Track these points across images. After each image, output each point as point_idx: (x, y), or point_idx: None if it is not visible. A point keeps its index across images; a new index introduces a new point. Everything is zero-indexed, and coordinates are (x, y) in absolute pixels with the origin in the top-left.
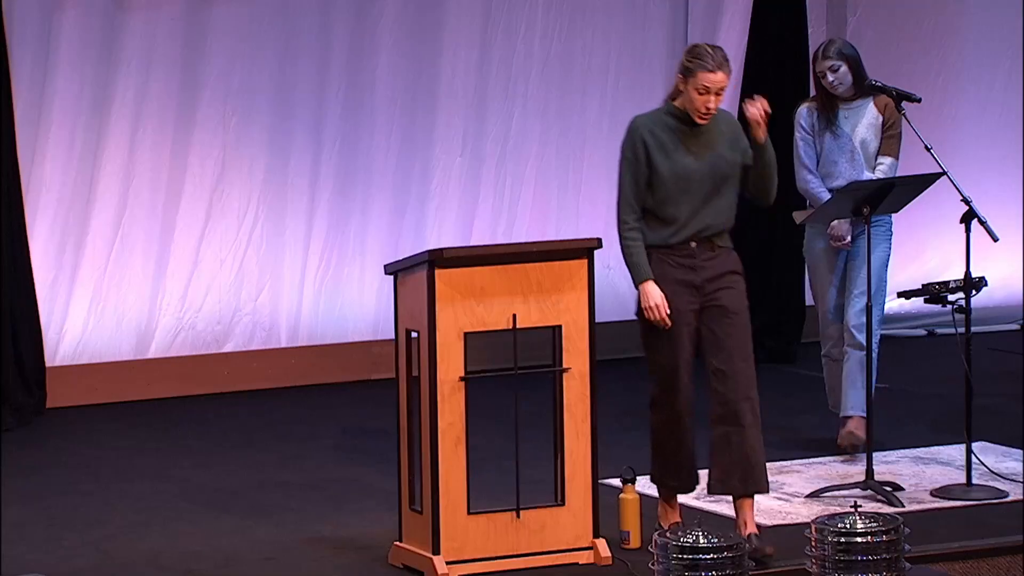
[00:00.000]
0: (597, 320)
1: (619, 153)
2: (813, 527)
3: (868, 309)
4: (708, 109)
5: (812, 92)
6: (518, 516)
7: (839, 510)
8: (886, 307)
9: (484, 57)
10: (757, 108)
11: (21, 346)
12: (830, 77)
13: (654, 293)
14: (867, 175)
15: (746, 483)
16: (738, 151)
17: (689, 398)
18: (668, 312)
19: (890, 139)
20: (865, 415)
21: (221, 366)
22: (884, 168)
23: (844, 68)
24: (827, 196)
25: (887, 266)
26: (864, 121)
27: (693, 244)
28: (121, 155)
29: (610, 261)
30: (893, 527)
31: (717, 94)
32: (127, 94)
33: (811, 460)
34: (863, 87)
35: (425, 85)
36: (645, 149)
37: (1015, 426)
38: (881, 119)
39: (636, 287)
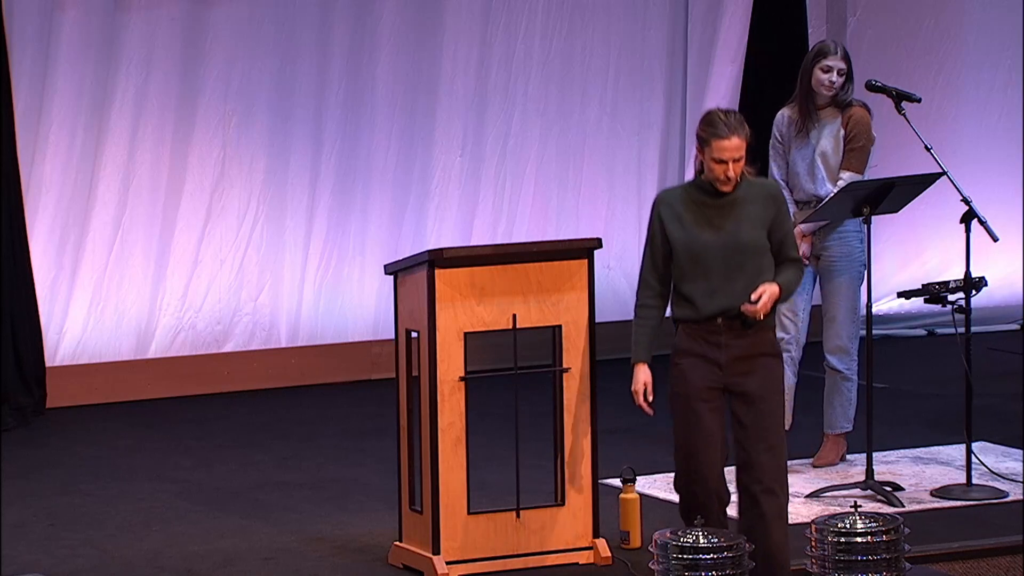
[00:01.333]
0: (597, 320)
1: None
2: (813, 527)
3: (868, 309)
4: (728, 177)
5: (797, 94)
6: (518, 516)
7: (839, 510)
8: (886, 307)
9: (484, 57)
10: (755, 310)
11: (21, 346)
12: (835, 78)
13: (638, 377)
14: (828, 188)
15: None
16: (764, 226)
17: (711, 478)
18: (650, 400)
19: (852, 152)
20: (844, 432)
21: (221, 366)
22: (843, 184)
23: (844, 71)
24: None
25: (858, 292)
26: (827, 133)
27: (719, 321)
28: (121, 155)
29: (610, 261)
30: (893, 527)
31: (736, 160)
32: (127, 94)
33: (811, 460)
34: (844, 96)
35: (425, 85)
36: (660, 223)
37: (1015, 426)
38: (843, 133)
39: (632, 365)
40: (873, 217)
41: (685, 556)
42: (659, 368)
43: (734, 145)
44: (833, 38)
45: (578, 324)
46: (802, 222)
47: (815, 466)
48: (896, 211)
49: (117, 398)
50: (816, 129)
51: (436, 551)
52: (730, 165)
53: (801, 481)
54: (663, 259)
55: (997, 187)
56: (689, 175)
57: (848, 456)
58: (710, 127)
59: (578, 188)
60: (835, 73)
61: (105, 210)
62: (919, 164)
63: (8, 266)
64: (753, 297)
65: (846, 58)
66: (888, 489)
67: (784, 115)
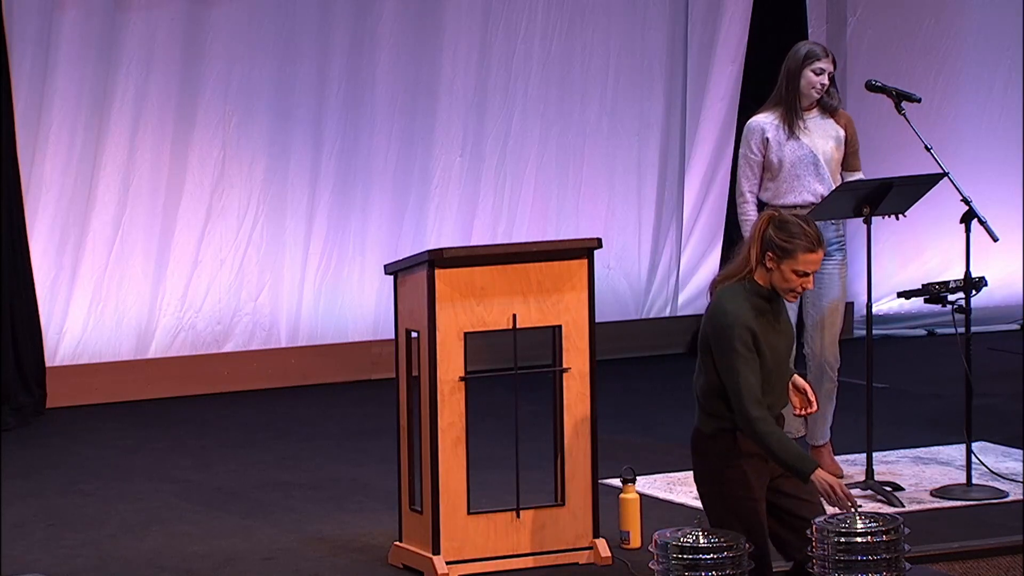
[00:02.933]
0: (597, 320)
1: (719, 346)
2: (813, 527)
3: (868, 309)
4: (805, 288)
5: (778, 97)
6: (518, 516)
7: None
8: (886, 307)
9: (484, 57)
10: (815, 409)
11: (21, 346)
12: (825, 80)
13: (829, 480)
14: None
15: None
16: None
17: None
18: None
19: (853, 154)
20: (828, 440)
21: (221, 366)
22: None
23: (832, 74)
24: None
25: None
26: (827, 135)
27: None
28: (121, 155)
29: (610, 261)
30: (893, 527)
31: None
32: (127, 94)
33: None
34: (831, 100)
35: (425, 85)
36: (753, 339)
37: (1015, 426)
38: (844, 135)
39: (807, 478)
40: (874, 218)
41: (685, 556)
42: (660, 368)
43: (820, 257)
44: (815, 40)
45: (578, 324)
46: None
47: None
48: (903, 211)
49: (117, 398)
50: (805, 131)
51: (436, 551)
52: (811, 277)
53: None
54: (758, 374)
55: (997, 187)
56: (689, 174)
57: (848, 456)
58: (795, 238)
59: (578, 188)
60: (826, 76)
61: (105, 210)
62: (919, 164)
63: (8, 266)
64: (811, 398)
65: (834, 61)
66: (888, 489)
67: (769, 122)
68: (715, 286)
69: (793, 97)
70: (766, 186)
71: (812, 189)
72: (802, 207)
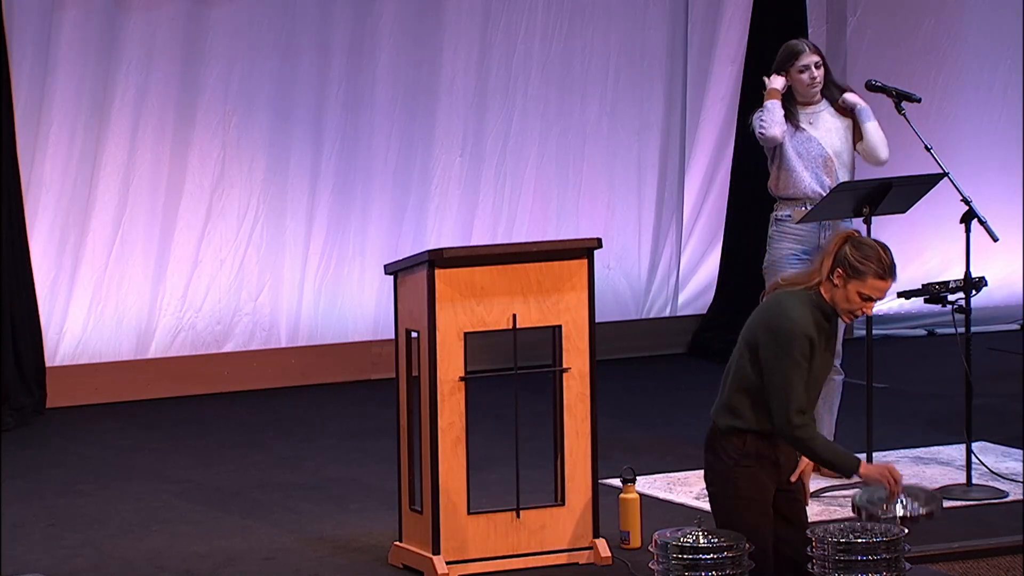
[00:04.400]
0: (597, 320)
1: (776, 350)
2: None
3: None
4: (864, 314)
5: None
6: (518, 516)
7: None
8: (886, 307)
9: (484, 57)
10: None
11: (21, 346)
12: (815, 73)
13: (876, 471)
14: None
15: None
16: None
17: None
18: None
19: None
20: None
21: (221, 366)
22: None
23: (822, 67)
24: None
25: None
26: (828, 129)
27: None
28: (121, 155)
29: (610, 261)
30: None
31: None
32: (127, 94)
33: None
34: (830, 90)
35: (425, 85)
36: (811, 350)
37: (1015, 426)
38: (852, 122)
39: (850, 475)
40: (874, 217)
41: (685, 556)
42: (660, 368)
43: (888, 287)
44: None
45: (578, 324)
46: (800, 221)
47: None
48: (903, 211)
49: (117, 398)
50: (811, 124)
51: (436, 551)
52: (873, 304)
53: None
54: (805, 384)
55: (997, 187)
56: (689, 174)
57: None
58: (869, 261)
59: (578, 188)
60: (813, 68)
61: (105, 210)
62: (919, 164)
63: (8, 266)
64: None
65: (817, 50)
66: None
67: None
68: (775, 289)
69: (788, 97)
70: (773, 177)
71: (820, 182)
72: (809, 199)
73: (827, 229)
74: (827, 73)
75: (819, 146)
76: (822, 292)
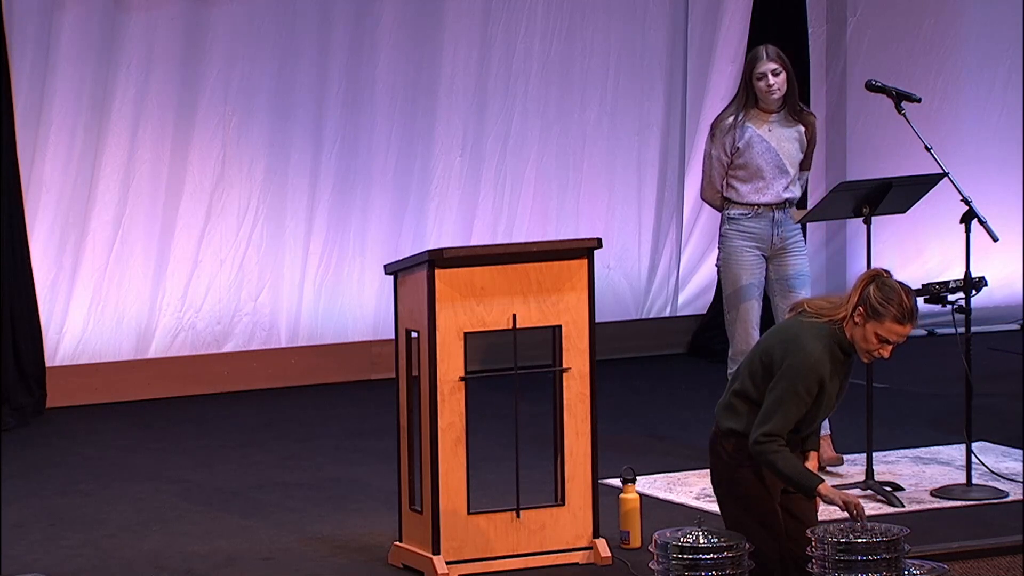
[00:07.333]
0: (597, 320)
1: (784, 374)
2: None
3: None
4: (882, 357)
5: (742, 98)
6: (518, 516)
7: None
8: None
9: (484, 57)
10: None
11: (21, 346)
12: (772, 80)
13: (836, 494)
14: (793, 191)
15: None
16: None
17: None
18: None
19: (807, 157)
20: (830, 432)
21: (221, 366)
22: (803, 183)
23: (783, 75)
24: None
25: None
26: (785, 136)
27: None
28: (121, 155)
29: (610, 261)
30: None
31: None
32: (127, 94)
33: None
34: (791, 101)
35: (425, 85)
36: (820, 387)
37: (1015, 426)
38: (806, 136)
39: (811, 494)
40: (874, 217)
41: (685, 556)
42: (660, 368)
43: (907, 332)
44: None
45: (578, 324)
46: (798, 221)
47: (828, 468)
48: (903, 211)
49: (117, 398)
50: (771, 131)
51: (436, 551)
52: (891, 348)
53: None
54: (800, 416)
55: (997, 187)
56: (689, 174)
57: (848, 456)
58: (890, 304)
59: (578, 188)
60: (771, 75)
61: (105, 210)
62: (919, 164)
63: (8, 266)
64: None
65: (779, 57)
66: (888, 489)
67: (741, 122)
68: (801, 307)
69: (752, 100)
70: (732, 185)
71: (776, 190)
72: (766, 206)
73: (779, 226)
74: (790, 82)
75: (775, 154)
76: (845, 328)
